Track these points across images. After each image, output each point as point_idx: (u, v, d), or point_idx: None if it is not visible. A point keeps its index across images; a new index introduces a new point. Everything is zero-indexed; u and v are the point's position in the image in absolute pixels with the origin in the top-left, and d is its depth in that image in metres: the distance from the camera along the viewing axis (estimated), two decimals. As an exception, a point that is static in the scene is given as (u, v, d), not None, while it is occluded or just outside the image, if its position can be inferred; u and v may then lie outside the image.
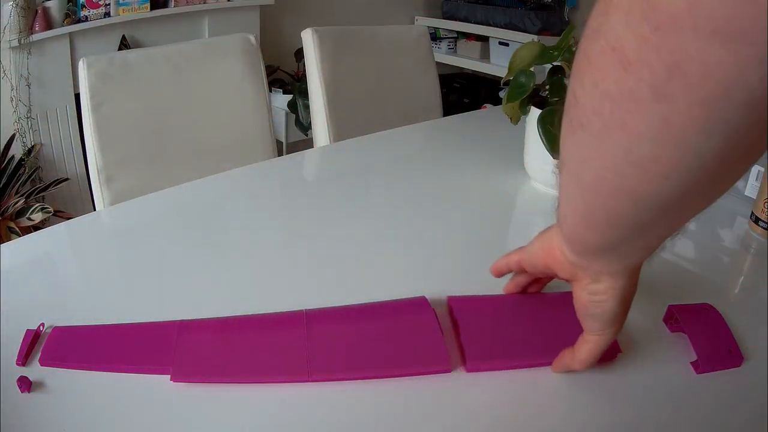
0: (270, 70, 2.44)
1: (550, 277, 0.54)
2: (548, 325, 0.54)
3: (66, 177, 1.87)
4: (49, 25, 1.75)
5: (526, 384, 0.49)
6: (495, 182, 0.93)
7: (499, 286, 0.58)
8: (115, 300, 0.58)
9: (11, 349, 0.48)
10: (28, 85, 1.76)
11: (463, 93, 3.04)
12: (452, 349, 0.51)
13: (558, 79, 0.82)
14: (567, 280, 0.45)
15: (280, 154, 1.35)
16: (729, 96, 0.21)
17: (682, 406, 0.47)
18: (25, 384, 0.45)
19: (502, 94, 2.77)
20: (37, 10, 1.72)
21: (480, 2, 2.86)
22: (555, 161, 0.79)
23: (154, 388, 0.46)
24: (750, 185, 0.90)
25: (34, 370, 0.47)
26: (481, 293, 0.58)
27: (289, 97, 2.36)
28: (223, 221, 0.79)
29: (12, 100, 1.73)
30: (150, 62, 1.07)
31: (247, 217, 0.80)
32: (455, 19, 2.96)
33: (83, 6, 1.82)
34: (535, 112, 0.84)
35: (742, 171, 0.28)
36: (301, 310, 0.54)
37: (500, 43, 2.78)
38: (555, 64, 0.83)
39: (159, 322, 0.53)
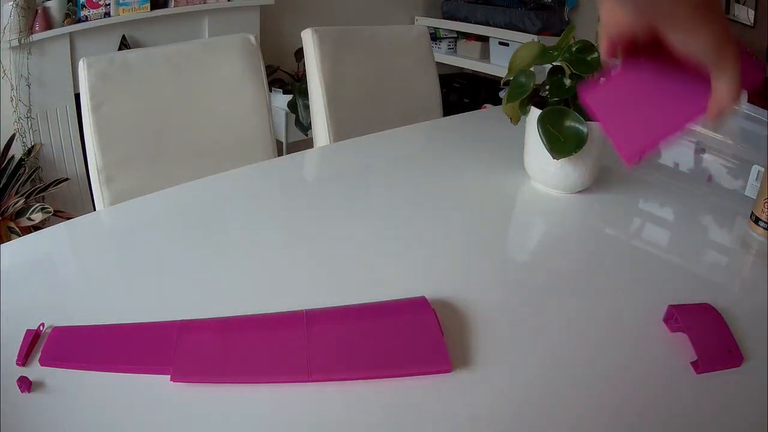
0: (270, 70, 2.45)
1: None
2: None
3: (66, 177, 1.87)
4: (49, 25, 1.75)
5: (526, 384, 0.49)
6: (495, 182, 0.93)
7: (499, 285, 0.58)
8: (115, 300, 0.58)
9: (11, 349, 0.48)
10: (28, 85, 1.75)
11: (463, 93, 3.04)
12: (452, 350, 0.51)
13: (558, 79, 0.82)
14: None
15: (280, 154, 1.35)
16: None
17: (682, 406, 0.47)
18: (25, 384, 0.45)
19: (502, 94, 2.77)
20: (37, 10, 1.72)
21: (480, 2, 2.86)
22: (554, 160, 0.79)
23: (154, 388, 0.46)
24: (750, 185, 0.90)
25: (34, 370, 0.47)
26: (480, 293, 0.58)
27: (289, 97, 2.36)
28: (223, 221, 0.79)
29: (12, 100, 1.73)
30: (150, 62, 1.07)
31: (247, 217, 0.80)
32: (455, 19, 2.96)
33: (83, 6, 1.82)
34: (535, 112, 0.84)
35: None
36: (301, 310, 0.54)
37: (500, 43, 2.78)
38: (555, 64, 0.83)
39: (159, 322, 0.53)
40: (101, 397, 0.45)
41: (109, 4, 1.87)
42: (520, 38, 2.59)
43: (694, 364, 0.51)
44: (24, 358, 0.48)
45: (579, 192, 0.89)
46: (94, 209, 1.00)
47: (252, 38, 1.20)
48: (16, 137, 1.77)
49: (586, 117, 0.80)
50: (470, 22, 2.88)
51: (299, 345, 0.50)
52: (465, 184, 0.92)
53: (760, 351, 0.53)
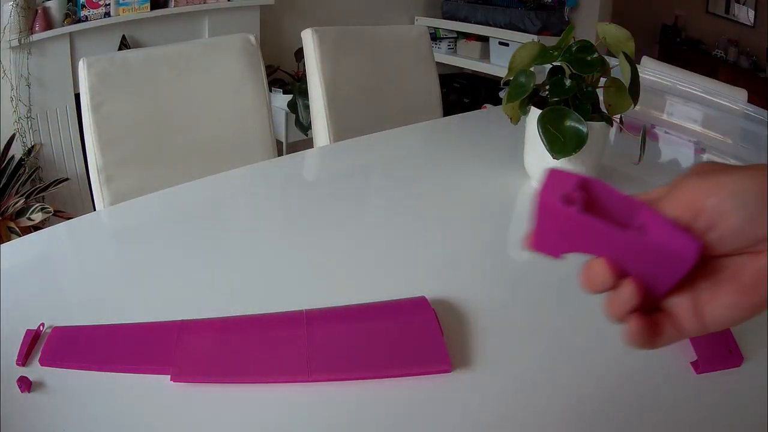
0: (270, 70, 2.44)
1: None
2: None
3: (66, 177, 1.87)
4: (49, 25, 1.75)
5: (526, 384, 0.49)
6: (495, 182, 0.93)
7: (499, 285, 0.58)
8: (115, 300, 0.58)
9: (11, 349, 0.48)
10: (28, 85, 1.75)
11: (463, 93, 3.04)
12: (452, 349, 0.51)
13: (558, 79, 0.82)
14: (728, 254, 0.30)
15: (280, 154, 1.35)
16: None
17: (682, 406, 0.47)
18: (25, 384, 0.45)
19: (502, 94, 2.77)
20: (37, 10, 1.72)
21: (480, 2, 2.86)
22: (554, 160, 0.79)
23: (154, 388, 0.46)
24: (750, 185, 0.90)
25: (34, 370, 0.47)
26: (480, 293, 0.58)
27: (289, 97, 2.36)
28: (223, 221, 0.79)
29: (12, 100, 1.73)
30: (150, 62, 1.07)
31: (247, 217, 0.80)
32: (455, 19, 2.96)
33: (83, 6, 1.82)
34: (535, 112, 0.84)
35: None
36: (301, 310, 0.54)
37: (500, 43, 2.78)
38: (555, 64, 0.83)
39: (159, 322, 0.53)
40: (101, 397, 0.45)
41: (109, 4, 1.87)
42: (520, 38, 2.59)
43: (694, 364, 0.51)
44: (24, 358, 0.48)
45: (579, 192, 0.89)
46: (94, 209, 1.00)
47: (252, 38, 1.20)
48: (16, 137, 1.77)
49: (586, 117, 0.80)
50: (470, 22, 2.88)
51: (299, 345, 0.50)
52: (465, 184, 0.92)
53: (760, 351, 0.53)
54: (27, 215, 1.65)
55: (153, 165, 1.06)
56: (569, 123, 0.79)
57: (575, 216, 0.30)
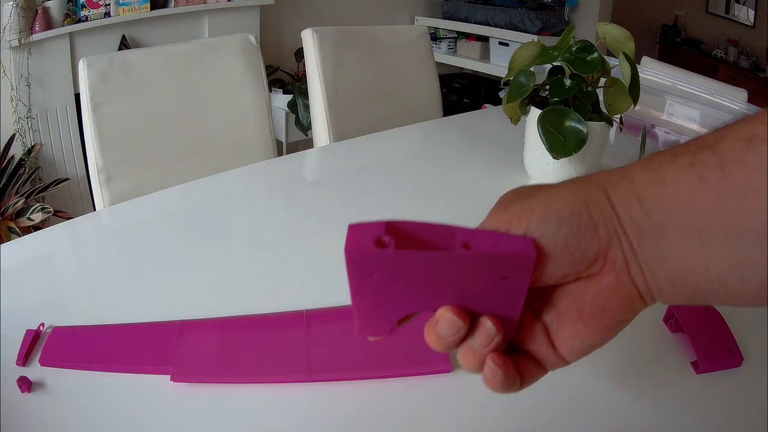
0: (270, 70, 2.44)
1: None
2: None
3: (66, 177, 1.87)
4: (49, 25, 1.75)
5: (526, 384, 0.49)
6: (495, 182, 0.93)
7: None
8: (115, 300, 0.58)
9: (11, 349, 0.48)
10: (28, 85, 1.75)
11: (463, 93, 3.04)
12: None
13: (558, 79, 0.82)
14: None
15: (280, 154, 1.35)
16: None
17: (682, 406, 0.47)
18: (25, 384, 0.45)
19: (502, 94, 2.77)
20: (37, 10, 1.72)
21: (480, 2, 2.86)
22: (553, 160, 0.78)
23: (154, 388, 0.46)
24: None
25: (34, 370, 0.47)
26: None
27: (289, 97, 2.36)
28: (223, 221, 0.79)
29: (12, 100, 1.73)
30: (150, 62, 1.07)
31: (247, 217, 0.80)
32: (455, 19, 2.96)
33: (83, 6, 1.82)
34: (535, 112, 0.84)
35: None
36: (301, 310, 0.54)
37: (500, 43, 2.78)
38: (555, 64, 0.83)
39: (159, 322, 0.53)
40: (101, 397, 0.45)
41: (109, 4, 1.87)
42: (520, 38, 2.59)
43: (694, 364, 0.51)
44: (24, 358, 0.48)
45: (579, 192, 0.89)
46: (94, 209, 1.00)
47: (252, 38, 1.20)
48: (16, 137, 1.77)
49: (586, 117, 0.80)
50: (470, 22, 2.88)
51: (299, 345, 0.50)
52: (465, 183, 0.92)
53: (760, 351, 0.53)
54: (27, 215, 1.65)
55: (153, 165, 1.06)
56: (569, 123, 0.79)
57: (393, 255, 0.26)
